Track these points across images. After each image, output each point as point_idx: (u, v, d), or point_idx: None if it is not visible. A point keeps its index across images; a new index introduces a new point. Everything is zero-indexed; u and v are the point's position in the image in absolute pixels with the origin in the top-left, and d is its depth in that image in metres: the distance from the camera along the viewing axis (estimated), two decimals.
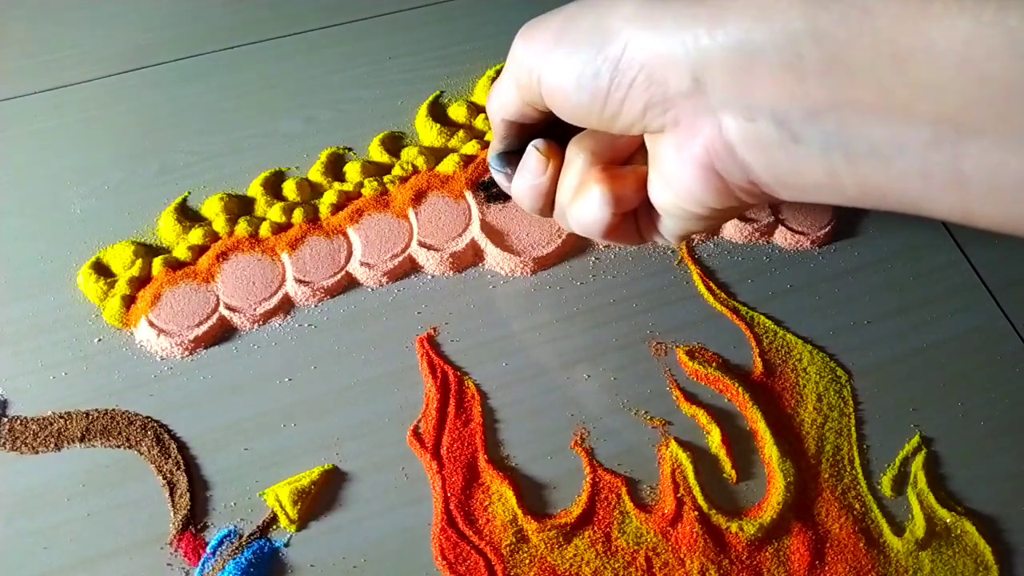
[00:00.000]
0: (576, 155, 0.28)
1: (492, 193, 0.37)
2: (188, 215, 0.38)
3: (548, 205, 0.30)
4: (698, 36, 0.21)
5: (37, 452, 0.31)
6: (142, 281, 0.35)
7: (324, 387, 0.33)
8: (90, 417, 0.32)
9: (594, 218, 0.27)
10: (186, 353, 0.34)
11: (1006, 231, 0.20)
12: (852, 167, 0.21)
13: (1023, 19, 0.16)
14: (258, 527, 0.30)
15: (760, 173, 0.22)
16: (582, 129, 0.28)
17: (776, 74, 0.20)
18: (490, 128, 0.40)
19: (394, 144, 0.40)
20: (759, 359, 0.34)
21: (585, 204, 0.27)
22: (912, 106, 0.19)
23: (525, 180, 0.29)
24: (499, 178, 0.32)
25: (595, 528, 0.31)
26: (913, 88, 0.18)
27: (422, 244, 0.36)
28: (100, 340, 0.34)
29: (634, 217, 0.28)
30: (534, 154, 0.28)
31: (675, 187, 0.25)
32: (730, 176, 0.23)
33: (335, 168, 0.39)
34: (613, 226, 0.27)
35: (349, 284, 0.36)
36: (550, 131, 0.29)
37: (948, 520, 0.31)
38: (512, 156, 0.31)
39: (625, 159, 0.28)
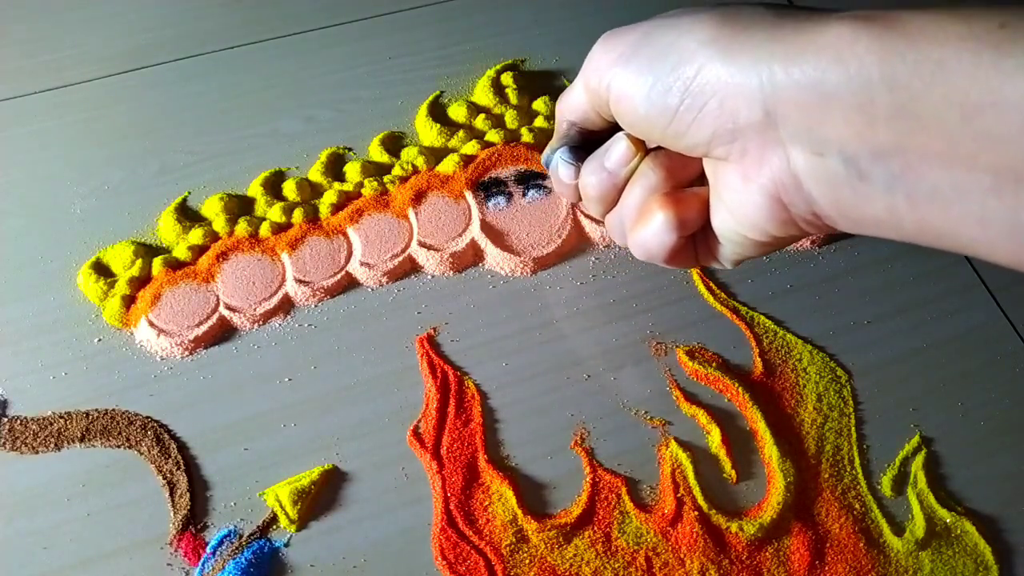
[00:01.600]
0: (649, 171, 0.28)
1: (492, 193, 0.37)
2: (188, 215, 0.38)
3: (613, 201, 0.30)
4: (774, 72, 0.22)
5: (37, 452, 0.31)
6: (142, 281, 0.35)
7: (324, 387, 0.33)
8: (90, 417, 0.32)
9: (659, 242, 0.28)
10: (186, 353, 0.34)
11: None
12: (913, 208, 0.21)
13: None
14: (258, 527, 0.30)
15: (824, 206, 0.23)
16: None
17: (848, 115, 0.21)
18: (490, 128, 0.40)
19: (394, 144, 0.40)
20: (759, 359, 0.34)
21: (650, 228, 0.28)
22: (976, 156, 0.19)
23: (604, 169, 0.29)
24: (565, 170, 0.31)
25: (595, 528, 0.31)
26: (978, 139, 0.19)
27: (422, 244, 0.36)
28: (100, 340, 0.34)
29: (692, 241, 0.28)
30: (624, 142, 0.28)
31: (738, 215, 0.25)
32: (794, 207, 0.24)
33: (335, 168, 0.39)
34: (676, 250, 0.28)
35: (349, 284, 0.36)
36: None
37: (948, 520, 0.31)
38: (579, 152, 0.31)
39: (690, 183, 0.28)
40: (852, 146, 0.21)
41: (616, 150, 0.29)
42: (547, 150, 0.32)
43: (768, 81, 0.22)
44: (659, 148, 0.28)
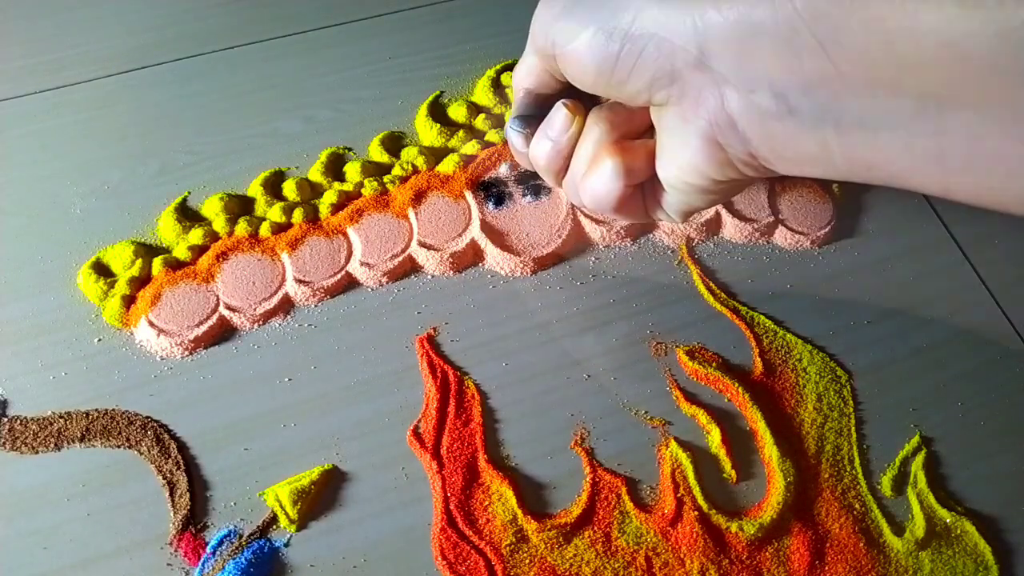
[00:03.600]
0: (594, 125, 0.29)
1: (492, 194, 0.37)
2: (188, 215, 0.38)
3: (563, 168, 0.30)
4: (705, 11, 0.23)
5: (37, 452, 0.31)
6: (142, 281, 0.35)
7: (324, 387, 0.33)
8: (90, 417, 0.32)
9: (606, 189, 0.28)
10: (186, 353, 0.34)
11: (982, 204, 0.21)
12: (841, 139, 0.22)
13: (1000, 2, 0.18)
14: (258, 527, 0.30)
15: (758, 145, 0.24)
16: (596, 102, 0.29)
17: (775, 49, 0.22)
18: (490, 128, 0.40)
19: (394, 144, 0.40)
20: (759, 359, 0.34)
21: (598, 176, 0.28)
22: (898, 81, 0.20)
23: (548, 137, 0.30)
24: (516, 139, 0.32)
25: (595, 528, 0.31)
26: (900, 65, 0.20)
27: (422, 244, 0.36)
28: (100, 340, 0.34)
29: (641, 192, 0.29)
30: (562, 110, 0.29)
31: (679, 159, 0.26)
32: (731, 148, 0.24)
33: (335, 168, 0.39)
34: (624, 198, 0.28)
35: (349, 284, 0.36)
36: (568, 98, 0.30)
37: (948, 520, 0.31)
38: (531, 120, 0.31)
39: (638, 135, 0.29)
40: (780, 80, 0.22)
41: (556, 119, 0.29)
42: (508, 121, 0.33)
43: (700, 21, 0.23)
44: (604, 103, 0.29)
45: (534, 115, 0.31)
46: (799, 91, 0.22)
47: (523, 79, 0.31)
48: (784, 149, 0.24)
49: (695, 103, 0.24)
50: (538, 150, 0.30)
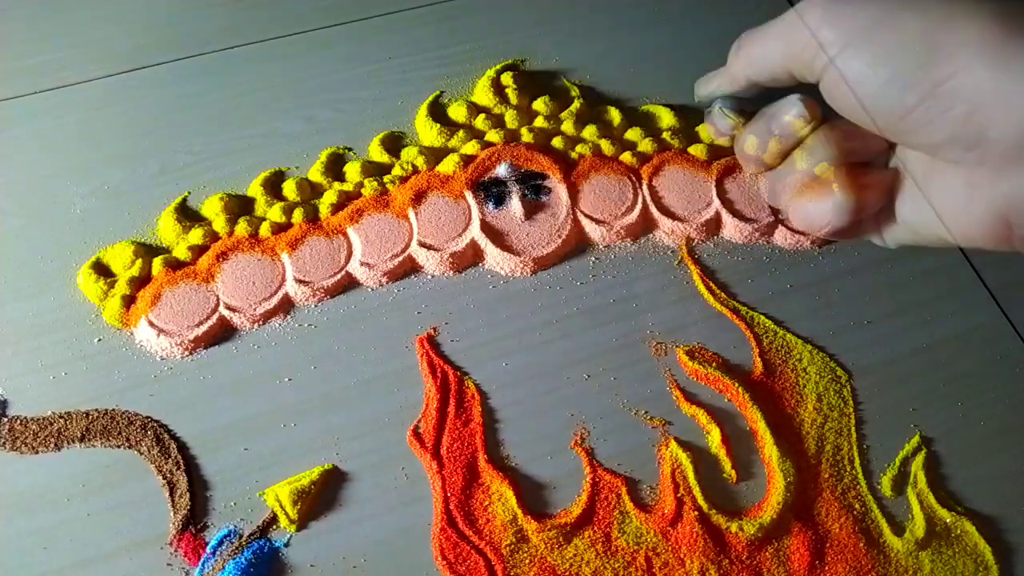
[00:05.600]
0: (823, 144, 0.26)
1: (492, 194, 0.37)
2: (188, 215, 0.37)
3: (774, 164, 0.28)
4: None
5: (37, 452, 0.31)
6: (142, 281, 0.35)
7: (324, 387, 0.33)
8: (90, 417, 0.32)
9: (827, 220, 0.26)
10: (186, 353, 0.34)
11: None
12: None
13: None
14: (258, 527, 0.30)
15: None
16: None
17: None
18: (490, 128, 0.40)
19: (394, 144, 0.40)
20: (759, 359, 0.34)
21: (821, 204, 0.26)
22: None
23: (771, 132, 0.27)
24: (722, 123, 0.29)
25: (595, 528, 0.31)
26: None
27: (422, 244, 0.36)
28: (100, 340, 0.34)
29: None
30: (798, 107, 0.26)
31: (947, 217, 0.23)
32: (1019, 231, 0.22)
33: (335, 168, 0.39)
34: (842, 230, 0.26)
35: (349, 284, 0.36)
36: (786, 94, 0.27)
37: (948, 520, 0.31)
38: (744, 103, 0.28)
39: (868, 157, 0.26)
40: None
41: (789, 115, 0.26)
42: (704, 85, 0.30)
43: None
44: (838, 118, 0.26)
45: (747, 98, 0.28)
46: None
47: (753, 67, 0.27)
48: None
49: (995, 174, 0.21)
50: (755, 140, 0.27)
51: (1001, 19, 0.20)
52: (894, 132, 0.23)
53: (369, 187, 0.38)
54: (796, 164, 0.27)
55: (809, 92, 0.26)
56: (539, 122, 0.40)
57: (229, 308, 0.34)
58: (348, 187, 0.38)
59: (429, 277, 0.36)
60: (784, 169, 0.27)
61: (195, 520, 0.30)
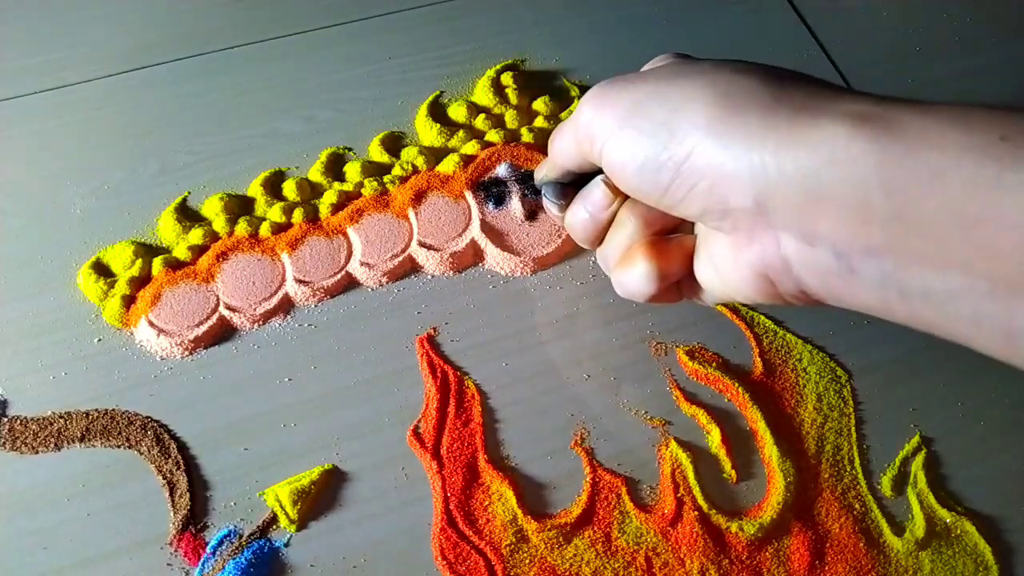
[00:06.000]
0: (628, 219, 0.28)
1: (492, 194, 0.37)
2: (188, 215, 0.38)
3: (599, 239, 0.30)
4: (766, 163, 0.21)
5: (37, 452, 0.31)
6: (142, 281, 0.35)
7: (324, 387, 0.33)
8: (90, 417, 0.32)
9: (638, 289, 0.28)
10: (186, 353, 0.34)
11: None
12: (905, 303, 0.21)
13: None
14: (258, 527, 0.30)
15: (813, 289, 0.23)
16: None
17: (841, 213, 0.21)
18: (490, 128, 0.40)
19: (394, 144, 0.40)
20: (759, 359, 0.34)
21: (631, 275, 0.28)
22: (971, 263, 0.19)
23: (585, 212, 0.29)
24: (551, 207, 0.32)
25: (595, 528, 0.31)
26: (976, 249, 0.19)
27: (422, 244, 0.36)
28: (100, 340, 0.34)
29: (676, 284, 0.29)
30: (601, 188, 0.28)
31: (725, 280, 0.25)
32: (782, 285, 0.24)
33: (335, 168, 0.39)
34: (655, 297, 0.28)
35: (349, 284, 0.36)
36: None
37: (948, 520, 0.31)
38: (566, 187, 0.31)
39: (674, 229, 0.28)
40: (844, 242, 0.21)
41: (595, 195, 0.29)
42: (538, 173, 0.32)
43: (760, 172, 0.22)
44: None
45: (570, 183, 0.31)
46: (863, 255, 0.21)
47: (560, 157, 0.29)
48: (842, 297, 0.23)
49: (748, 239, 0.23)
50: (574, 220, 0.30)
51: (722, 100, 0.23)
52: (663, 207, 0.25)
53: (369, 187, 0.38)
54: (609, 240, 0.29)
55: None
56: (539, 122, 0.41)
57: (229, 308, 0.34)
58: (348, 187, 0.38)
59: (429, 277, 0.36)
60: (604, 245, 0.30)
61: (195, 520, 0.30)
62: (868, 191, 0.20)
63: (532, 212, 0.37)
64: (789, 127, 0.21)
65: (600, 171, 0.28)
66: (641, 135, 0.24)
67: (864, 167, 0.20)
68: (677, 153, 0.23)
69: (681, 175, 0.23)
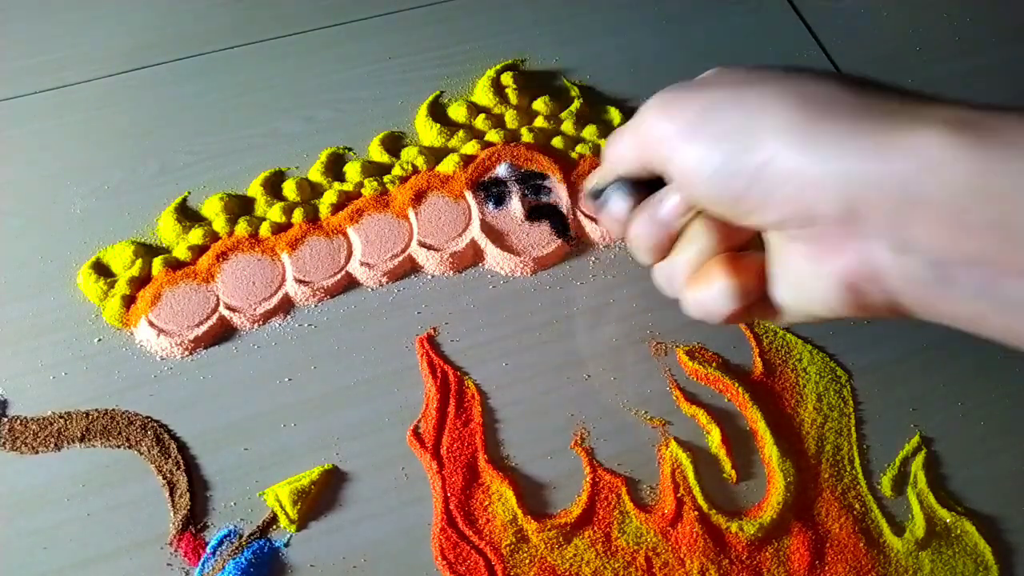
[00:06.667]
0: (701, 233, 0.27)
1: (492, 194, 0.37)
2: (188, 215, 0.38)
3: (664, 252, 0.28)
4: (858, 169, 0.21)
5: (37, 452, 0.31)
6: (142, 281, 0.35)
7: (324, 387, 0.33)
8: (90, 417, 0.32)
9: (718, 308, 0.26)
10: (186, 353, 0.34)
11: None
12: (1000, 314, 0.21)
13: None
14: (258, 527, 0.30)
15: (905, 300, 0.22)
16: None
17: (938, 220, 0.20)
18: (490, 128, 0.40)
19: (394, 144, 0.40)
20: (759, 359, 0.34)
21: (709, 292, 0.26)
22: None
23: (655, 220, 0.27)
24: (619, 205, 0.29)
25: (595, 528, 0.31)
26: None
27: (422, 244, 0.36)
28: (100, 340, 0.34)
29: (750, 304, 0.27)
30: (678, 196, 0.27)
31: (805, 292, 0.24)
32: (871, 296, 0.23)
33: (335, 168, 0.39)
34: (735, 317, 0.27)
35: (349, 284, 0.36)
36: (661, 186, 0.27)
37: (948, 520, 0.31)
38: (639, 188, 0.29)
39: (748, 243, 0.27)
40: (940, 251, 0.20)
41: (669, 203, 0.27)
42: (592, 181, 0.30)
43: (852, 178, 0.21)
44: None
45: (642, 181, 0.28)
46: (960, 264, 0.20)
47: (618, 164, 0.28)
48: (934, 308, 0.22)
49: (834, 249, 0.22)
50: (641, 230, 0.28)
51: (805, 104, 0.22)
52: (735, 215, 0.24)
53: (369, 187, 0.38)
54: (678, 255, 0.28)
55: None
56: (539, 122, 0.40)
57: (229, 308, 0.34)
58: (348, 187, 0.38)
59: (429, 277, 0.36)
60: (670, 261, 0.28)
61: (195, 520, 0.30)
62: (966, 198, 0.19)
63: (532, 212, 0.37)
64: (885, 132, 0.21)
65: (660, 181, 0.27)
66: (714, 140, 0.23)
67: (963, 173, 0.19)
68: (755, 159, 0.22)
69: (759, 181, 0.22)
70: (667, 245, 0.28)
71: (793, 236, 0.23)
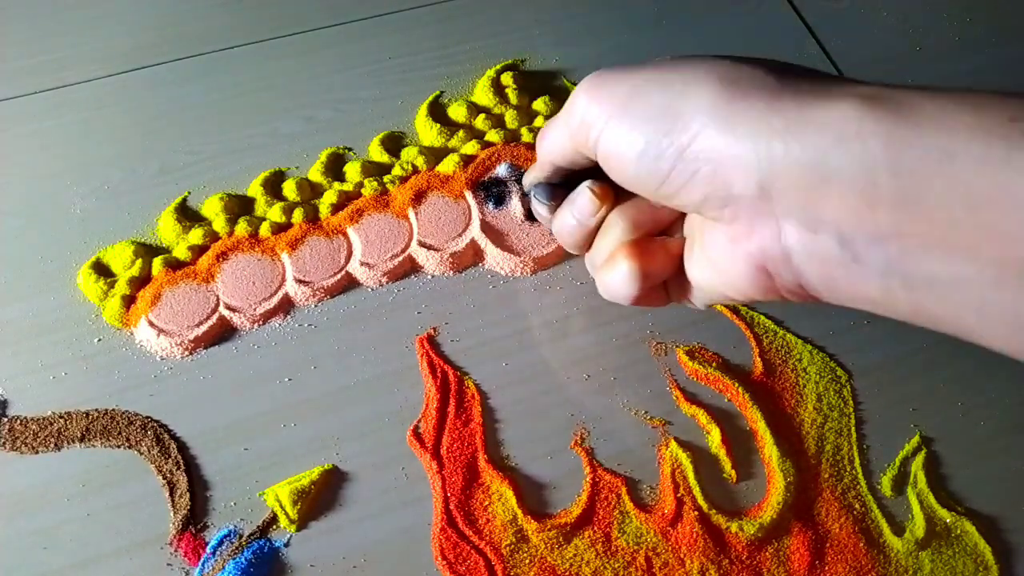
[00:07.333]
0: (616, 223, 0.28)
1: (492, 193, 0.37)
2: (188, 215, 0.38)
3: (588, 245, 0.30)
4: (772, 147, 0.21)
5: (37, 452, 0.31)
6: (142, 281, 0.35)
7: (324, 387, 0.33)
8: (90, 417, 0.32)
9: (621, 290, 0.27)
10: (186, 353, 0.34)
11: None
12: (909, 292, 0.21)
13: None
14: (258, 527, 0.30)
15: (813, 281, 0.23)
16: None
17: (847, 196, 0.20)
18: (490, 128, 0.40)
19: (394, 144, 0.40)
20: (759, 359, 0.34)
21: (613, 275, 0.27)
22: (978, 247, 0.19)
23: (572, 218, 0.29)
24: (540, 208, 0.31)
25: (595, 528, 0.31)
26: (983, 232, 0.19)
27: (422, 244, 0.36)
28: (100, 340, 0.34)
29: (663, 285, 0.28)
30: (588, 195, 0.28)
31: (720, 274, 0.25)
32: (780, 278, 0.23)
33: (335, 168, 0.39)
34: (639, 298, 0.28)
35: (349, 284, 0.36)
36: (597, 173, 0.28)
37: (948, 520, 0.31)
38: (556, 188, 0.30)
39: (663, 229, 0.28)
40: (849, 227, 0.21)
41: (581, 202, 0.28)
42: (527, 177, 0.32)
43: (766, 156, 0.21)
44: (629, 196, 0.27)
45: (560, 184, 0.30)
46: (868, 241, 0.21)
47: (550, 153, 0.29)
48: (842, 290, 0.22)
49: (747, 229, 0.23)
50: (562, 226, 0.29)
51: (726, 85, 0.22)
52: (660, 197, 0.25)
53: (369, 187, 0.38)
54: (597, 244, 0.29)
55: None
56: (539, 122, 0.40)
57: (229, 308, 0.34)
58: (348, 187, 0.38)
59: (429, 277, 0.36)
60: (593, 249, 0.29)
61: (195, 520, 0.30)
62: (876, 173, 0.20)
63: (532, 212, 0.37)
64: (798, 109, 0.21)
65: (589, 173, 0.28)
66: (641, 121, 0.24)
67: (873, 148, 0.20)
68: (680, 139, 0.23)
69: (683, 161, 0.23)
70: (588, 239, 0.29)
71: (714, 217, 0.24)
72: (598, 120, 0.25)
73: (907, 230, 0.20)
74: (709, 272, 0.25)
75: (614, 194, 0.28)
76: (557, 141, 0.28)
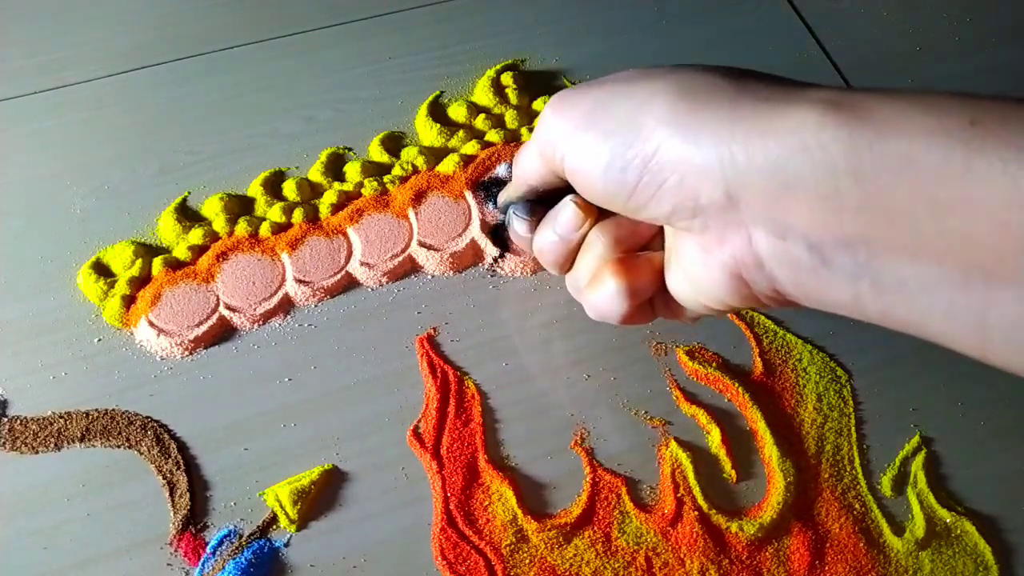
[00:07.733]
0: (597, 239, 0.27)
1: (492, 194, 0.37)
2: (188, 215, 0.38)
3: (568, 264, 0.29)
4: (735, 154, 0.21)
5: (37, 452, 0.31)
6: (142, 281, 0.35)
7: (324, 387, 0.33)
8: (90, 417, 0.32)
9: (610, 308, 0.27)
10: (186, 353, 0.34)
11: (1020, 374, 0.20)
12: (877, 296, 0.21)
13: None
14: (258, 527, 0.30)
15: (786, 286, 0.23)
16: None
17: (812, 202, 0.20)
18: (490, 128, 0.40)
19: (394, 144, 0.40)
20: (759, 359, 0.34)
21: (601, 294, 0.27)
22: (944, 252, 0.19)
23: (554, 233, 0.28)
24: (519, 225, 0.30)
25: (595, 528, 0.31)
26: (948, 236, 0.19)
27: (422, 244, 0.36)
28: (100, 340, 0.34)
29: (649, 302, 0.28)
30: (571, 208, 0.27)
31: (697, 284, 0.25)
32: (755, 285, 0.23)
33: (335, 168, 0.39)
34: (628, 316, 0.27)
35: (349, 284, 0.36)
36: (571, 194, 0.28)
37: (948, 520, 0.31)
38: (535, 206, 0.30)
39: (644, 244, 0.27)
40: (816, 234, 0.21)
41: (564, 216, 0.28)
42: (502, 196, 0.31)
43: (729, 164, 0.21)
44: (608, 215, 0.27)
45: (539, 201, 0.30)
46: (835, 246, 0.20)
47: (525, 173, 0.29)
48: (814, 294, 0.22)
49: (719, 238, 0.23)
50: (543, 243, 0.29)
51: (686, 94, 0.22)
52: (630, 210, 0.24)
53: (369, 187, 0.38)
54: (579, 262, 0.28)
55: None
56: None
57: (229, 308, 0.34)
58: (348, 187, 0.38)
59: (429, 277, 0.36)
60: (574, 269, 0.29)
61: (195, 520, 0.30)
62: (838, 179, 0.20)
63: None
64: (756, 115, 0.21)
65: (567, 191, 0.28)
66: (604, 134, 0.24)
67: (834, 154, 0.20)
68: (643, 150, 0.23)
69: (649, 172, 0.23)
70: (570, 257, 0.29)
71: (685, 227, 0.24)
72: (563, 136, 0.25)
73: (873, 235, 0.20)
74: (687, 284, 0.25)
75: (594, 208, 0.28)
76: (530, 162, 0.28)
